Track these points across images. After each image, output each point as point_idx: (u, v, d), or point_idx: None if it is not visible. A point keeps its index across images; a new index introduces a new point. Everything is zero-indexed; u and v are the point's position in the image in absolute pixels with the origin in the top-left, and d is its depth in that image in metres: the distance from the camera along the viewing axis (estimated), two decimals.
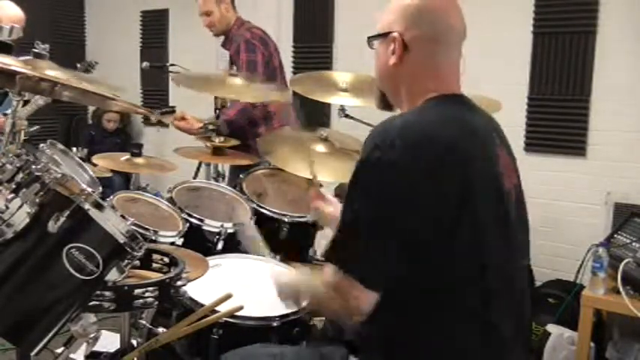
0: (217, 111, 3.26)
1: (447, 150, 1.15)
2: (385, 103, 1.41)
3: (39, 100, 2.00)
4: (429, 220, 1.13)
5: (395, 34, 1.29)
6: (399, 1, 1.33)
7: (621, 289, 2.37)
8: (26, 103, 1.45)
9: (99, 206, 1.19)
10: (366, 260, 1.16)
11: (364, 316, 1.18)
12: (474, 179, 1.16)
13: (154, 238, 2.00)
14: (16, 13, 3.19)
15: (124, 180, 4.48)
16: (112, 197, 2.12)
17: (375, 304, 1.17)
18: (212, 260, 1.92)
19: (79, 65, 3.40)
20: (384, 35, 1.32)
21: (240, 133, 3.05)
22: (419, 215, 1.13)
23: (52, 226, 1.15)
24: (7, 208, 1.15)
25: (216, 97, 3.23)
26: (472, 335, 1.20)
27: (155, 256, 1.57)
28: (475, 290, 1.19)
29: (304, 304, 1.58)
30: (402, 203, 1.13)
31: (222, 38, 3.31)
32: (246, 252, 2.14)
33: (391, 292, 1.19)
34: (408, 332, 1.20)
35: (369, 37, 1.37)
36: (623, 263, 2.40)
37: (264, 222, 2.37)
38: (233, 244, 2.26)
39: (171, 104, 5.12)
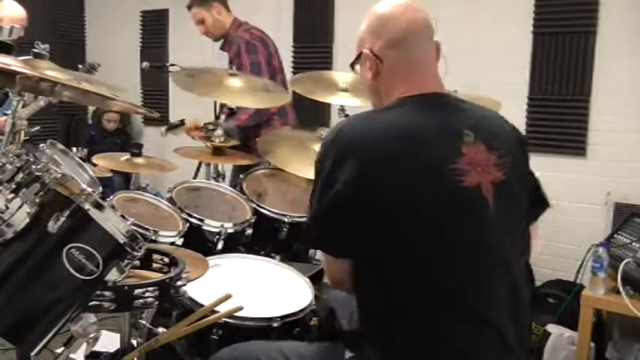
0: (220, 111, 3.27)
1: (377, 154, 1.21)
2: None
3: (40, 101, 2.00)
4: (373, 226, 1.21)
5: (366, 51, 1.37)
6: (363, 22, 1.41)
7: (621, 289, 2.38)
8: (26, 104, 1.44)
9: (99, 206, 1.19)
10: (322, 235, 1.30)
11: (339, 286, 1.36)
12: (412, 181, 1.19)
13: (154, 238, 2.00)
14: (19, 12, 3.19)
15: (124, 180, 4.48)
16: (112, 197, 2.13)
17: (370, 298, 1.25)
18: (212, 260, 1.92)
19: (80, 67, 3.39)
20: (358, 57, 1.41)
21: (243, 134, 3.06)
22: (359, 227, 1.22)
23: (52, 226, 1.15)
24: (7, 208, 1.15)
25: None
26: (469, 334, 1.20)
27: (155, 256, 1.56)
28: (434, 294, 1.20)
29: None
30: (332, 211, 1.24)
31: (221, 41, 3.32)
32: None
33: (391, 292, 1.20)
34: (406, 330, 1.20)
35: (351, 65, 1.46)
36: (623, 263, 2.40)
37: (264, 222, 2.38)
38: (233, 244, 2.26)
39: (171, 104, 5.12)
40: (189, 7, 3.26)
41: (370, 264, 1.24)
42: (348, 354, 1.36)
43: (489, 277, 1.24)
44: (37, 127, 2.35)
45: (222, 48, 3.33)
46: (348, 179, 1.19)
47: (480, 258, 1.23)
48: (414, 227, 1.20)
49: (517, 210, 1.31)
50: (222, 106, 3.28)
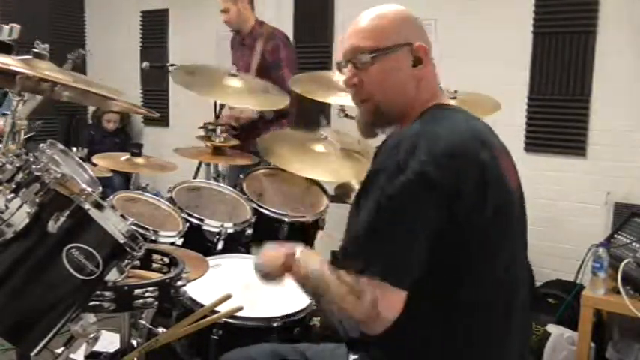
0: (221, 109, 3.28)
1: (467, 159, 1.18)
2: (373, 127, 1.37)
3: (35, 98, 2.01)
4: (449, 226, 1.14)
5: (421, 44, 1.29)
6: (393, 13, 1.31)
7: (621, 289, 2.38)
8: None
9: (99, 206, 1.19)
10: (392, 258, 1.13)
11: (388, 324, 1.13)
12: (490, 185, 1.19)
13: (154, 238, 2.00)
14: None
15: (124, 180, 4.48)
16: (112, 197, 2.13)
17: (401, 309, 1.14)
18: (212, 260, 1.92)
19: (69, 56, 3.39)
20: (398, 47, 1.28)
21: (252, 129, 3.13)
22: (438, 221, 1.14)
23: (52, 226, 1.15)
24: (7, 208, 1.15)
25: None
26: (469, 333, 1.21)
27: (155, 256, 1.57)
28: (487, 290, 1.21)
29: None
30: (422, 210, 1.13)
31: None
32: None
33: (456, 313, 1.21)
34: (412, 331, 1.20)
35: (378, 50, 1.28)
36: (623, 263, 2.40)
37: (264, 222, 2.38)
38: (233, 244, 2.26)
39: (171, 104, 5.12)
40: None
41: (443, 279, 1.18)
42: (352, 356, 1.36)
43: (518, 281, 1.28)
44: (40, 122, 2.36)
45: (242, 39, 3.42)
46: (440, 183, 1.13)
47: (516, 262, 1.28)
48: (487, 233, 1.20)
49: (525, 214, 1.36)
50: (222, 107, 3.29)
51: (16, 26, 1.89)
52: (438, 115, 1.28)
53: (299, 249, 1.28)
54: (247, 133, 3.18)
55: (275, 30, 3.39)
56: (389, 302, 1.12)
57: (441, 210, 1.13)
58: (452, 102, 1.39)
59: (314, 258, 1.27)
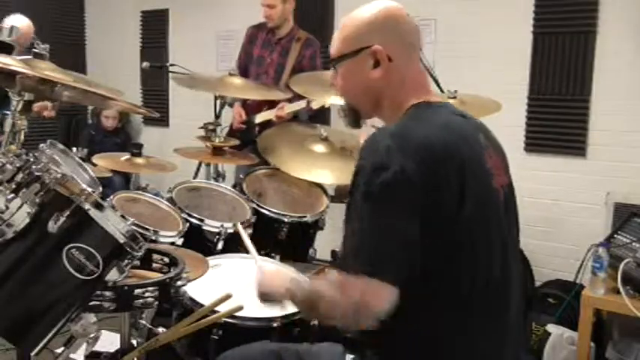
0: (221, 109, 3.29)
1: (445, 155, 1.17)
2: (356, 122, 1.43)
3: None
4: (430, 222, 1.14)
5: (377, 47, 1.29)
6: (361, 17, 1.33)
7: (621, 289, 2.37)
8: (26, 103, 1.44)
9: (99, 206, 1.19)
10: (381, 257, 1.14)
11: (382, 316, 1.12)
12: (468, 182, 1.18)
13: (154, 238, 2.00)
14: (26, 26, 3.22)
15: (124, 180, 4.48)
16: (112, 197, 2.12)
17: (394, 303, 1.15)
18: (212, 260, 1.92)
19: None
20: (358, 51, 1.31)
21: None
22: (419, 218, 1.13)
23: (52, 226, 1.15)
24: (7, 208, 1.15)
25: (216, 97, 3.24)
26: (464, 331, 1.21)
27: (155, 256, 1.57)
28: (471, 289, 1.20)
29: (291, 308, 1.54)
30: (404, 207, 1.13)
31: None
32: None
33: (444, 304, 1.21)
34: (407, 332, 1.20)
35: (336, 59, 1.36)
36: (623, 263, 2.40)
37: (264, 222, 2.38)
38: (233, 244, 2.26)
39: (171, 104, 5.12)
40: None
41: (433, 275, 1.18)
42: (349, 356, 1.36)
43: (510, 279, 1.28)
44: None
45: (279, 40, 3.46)
46: (419, 180, 1.13)
47: (505, 261, 1.27)
48: (467, 230, 1.19)
49: (516, 213, 1.36)
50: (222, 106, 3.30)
51: (17, 26, 1.89)
52: (422, 111, 1.29)
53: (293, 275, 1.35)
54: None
55: (312, 37, 3.46)
56: (376, 295, 1.12)
57: (421, 207, 1.13)
58: (439, 99, 1.37)
59: (304, 278, 1.33)
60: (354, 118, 1.42)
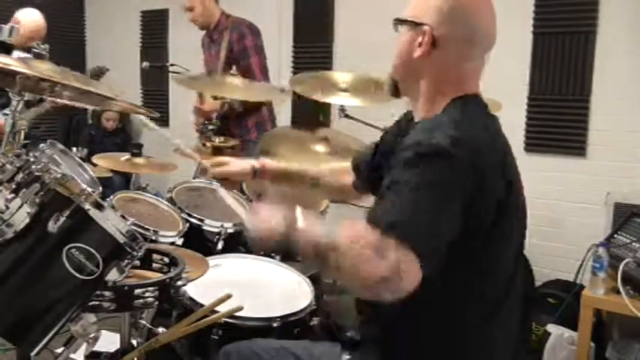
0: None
1: (502, 154, 1.20)
2: (396, 89, 1.37)
3: (45, 104, 2.04)
4: (478, 219, 1.14)
5: (426, 28, 1.24)
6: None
7: (621, 289, 2.37)
8: (27, 103, 1.44)
9: (99, 206, 1.19)
10: (432, 236, 1.08)
11: (403, 293, 1.04)
12: (510, 182, 1.20)
13: (154, 238, 2.00)
14: (34, 23, 3.22)
15: (124, 180, 4.48)
16: (112, 197, 2.13)
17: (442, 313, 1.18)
18: (212, 260, 1.92)
19: (88, 70, 3.42)
20: (413, 24, 1.27)
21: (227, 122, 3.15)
22: (469, 214, 1.13)
23: (52, 226, 1.15)
24: (7, 208, 1.15)
25: (215, 97, 3.24)
26: (472, 333, 1.21)
27: (155, 256, 1.56)
28: (496, 291, 1.22)
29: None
30: (457, 195, 1.12)
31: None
32: None
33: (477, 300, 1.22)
34: (404, 330, 1.20)
35: (397, 20, 1.31)
36: (623, 263, 2.40)
37: None
38: (233, 244, 2.26)
39: (171, 104, 5.12)
40: None
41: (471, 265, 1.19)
42: (345, 356, 1.36)
43: (520, 286, 1.29)
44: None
45: (210, 36, 3.37)
46: (472, 174, 1.12)
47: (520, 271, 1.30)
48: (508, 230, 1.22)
49: (525, 217, 1.36)
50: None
51: (16, 26, 1.90)
52: (466, 109, 1.25)
53: (299, 214, 1.17)
54: (223, 127, 3.16)
55: (240, 19, 3.30)
56: (410, 270, 1.04)
57: (470, 201, 1.12)
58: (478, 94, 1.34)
59: (319, 221, 1.19)
60: (393, 87, 1.37)
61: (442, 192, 1.11)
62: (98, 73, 3.39)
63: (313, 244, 1.11)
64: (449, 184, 1.11)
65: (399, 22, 1.31)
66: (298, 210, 1.17)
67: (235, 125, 3.21)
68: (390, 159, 1.24)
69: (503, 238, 1.21)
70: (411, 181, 1.11)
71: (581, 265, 2.91)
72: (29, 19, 3.28)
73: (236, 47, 3.20)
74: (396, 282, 1.03)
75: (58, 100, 1.46)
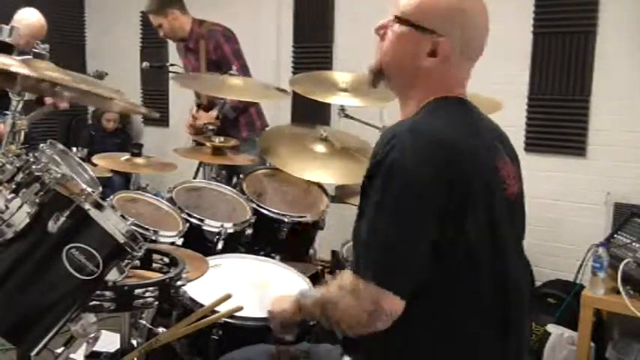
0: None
1: (453, 151, 1.14)
2: (374, 83, 1.33)
3: (44, 109, 2.05)
4: (439, 223, 1.12)
5: (441, 40, 1.20)
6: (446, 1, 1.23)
7: (621, 289, 2.38)
8: (27, 103, 1.44)
9: (99, 206, 1.19)
10: (398, 271, 1.12)
11: (391, 320, 1.12)
12: (474, 182, 1.16)
13: (154, 238, 2.00)
14: (35, 23, 3.22)
15: (124, 180, 4.47)
16: (112, 197, 2.13)
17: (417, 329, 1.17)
18: (212, 260, 1.92)
19: (88, 74, 3.41)
20: (425, 30, 1.21)
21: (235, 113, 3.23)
22: (430, 219, 1.12)
23: (52, 226, 1.15)
24: (7, 208, 1.15)
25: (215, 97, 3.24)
26: (471, 339, 1.21)
27: (155, 256, 1.56)
28: (480, 296, 1.20)
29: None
30: (416, 207, 1.11)
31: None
32: None
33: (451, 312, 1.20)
34: (406, 337, 1.19)
35: (400, 20, 1.24)
36: (623, 263, 2.40)
37: (264, 222, 2.38)
38: (233, 244, 2.26)
39: (171, 104, 5.12)
40: (147, 14, 3.40)
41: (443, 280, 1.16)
42: (346, 358, 1.36)
43: (522, 286, 1.28)
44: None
45: (187, 46, 3.42)
46: (436, 176, 1.11)
47: (519, 271, 1.29)
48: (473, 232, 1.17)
49: (524, 221, 1.36)
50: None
51: (16, 26, 1.89)
52: (440, 108, 1.23)
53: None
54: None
55: (213, 26, 3.35)
56: (388, 300, 1.11)
57: (435, 213, 1.11)
58: (462, 95, 1.30)
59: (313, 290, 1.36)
60: (376, 79, 1.32)
61: (404, 210, 1.11)
62: (98, 78, 3.40)
63: (319, 305, 1.26)
64: (409, 199, 1.11)
65: (404, 22, 1.24)
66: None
67: (230, 126, 3.27)
68: None
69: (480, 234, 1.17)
70: (373, 199, 1.14)
71: (581, 265, 2.91)
72: (29, 19, 3.27)
73: (214, 57, 3.29)
74: (381, 312, 1.12)
75: (61, 105, 1.46)
